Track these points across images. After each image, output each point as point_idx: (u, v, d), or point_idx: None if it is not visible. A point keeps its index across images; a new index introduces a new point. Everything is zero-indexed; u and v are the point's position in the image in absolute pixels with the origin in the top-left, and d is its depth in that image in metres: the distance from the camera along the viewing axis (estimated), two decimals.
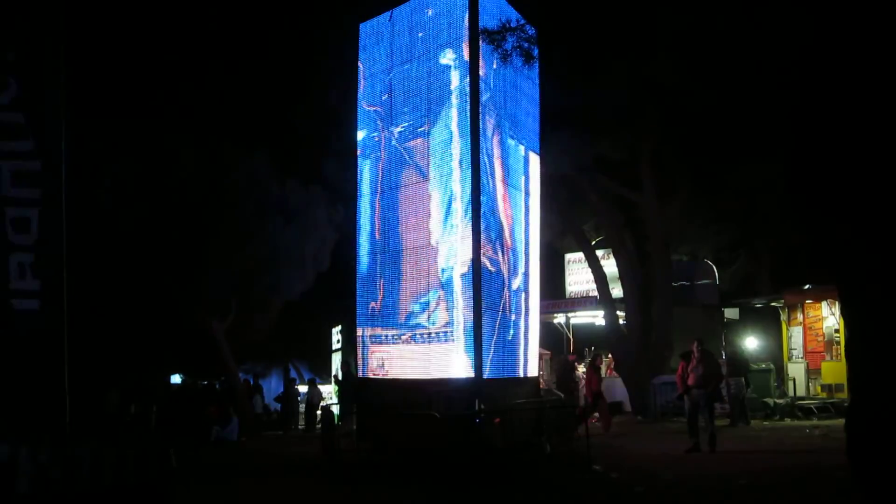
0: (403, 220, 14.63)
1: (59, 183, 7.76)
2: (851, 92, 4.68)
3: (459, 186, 13.60)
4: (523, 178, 15.18)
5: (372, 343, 14.91)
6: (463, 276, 13.38)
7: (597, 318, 24.96)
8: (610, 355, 24.39)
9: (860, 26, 4.94)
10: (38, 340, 7.30)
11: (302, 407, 26.68)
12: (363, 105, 15.81)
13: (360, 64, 15.78)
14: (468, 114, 13.68)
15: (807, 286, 21.94)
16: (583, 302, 25.44)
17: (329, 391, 26.67)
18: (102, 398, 23.45)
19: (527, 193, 15.25)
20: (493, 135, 14.23)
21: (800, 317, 22.35)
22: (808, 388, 21.34)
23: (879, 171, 4.52)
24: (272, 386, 31.56)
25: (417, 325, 14.05)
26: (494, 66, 14.14)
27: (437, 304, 13.75)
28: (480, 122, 13.71)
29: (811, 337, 21.97)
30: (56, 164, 7.82)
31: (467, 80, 13.79)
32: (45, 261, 7.58)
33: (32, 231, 7.59)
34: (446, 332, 13.47)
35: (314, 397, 25.29)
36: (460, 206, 13.52)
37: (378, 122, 15.47)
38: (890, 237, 4.41)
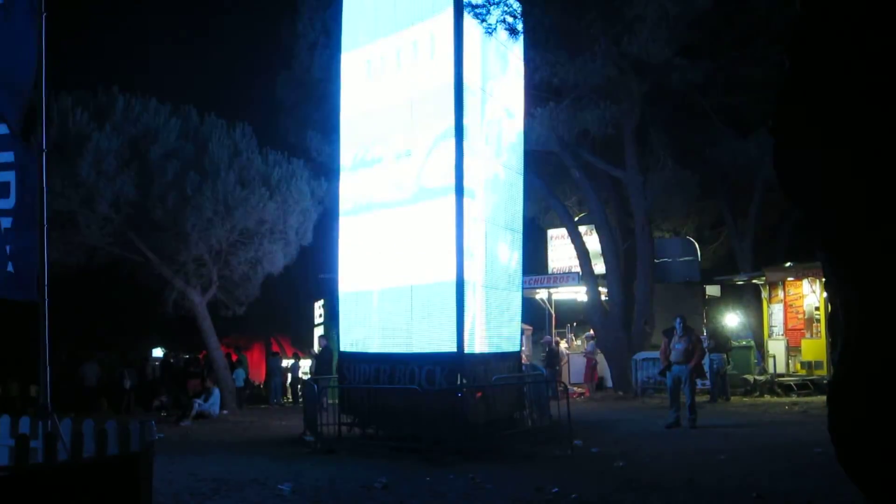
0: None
1: (32, 147, 7.62)
2: (842, 63, 4.65)
3: (443, 161, 13.45)
4: (506, 153, 15.08)
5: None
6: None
7: (579, 293, 25.04)
8: (591, 331, 24.51)
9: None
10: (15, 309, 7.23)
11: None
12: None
13: (342, 35, 15.57)
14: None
15: (788, 264, 22.07)
16: (565, 278, 25.52)
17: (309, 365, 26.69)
18: (82, 371, 23.42)
19: (511, 168, 15.16)
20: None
21: (781, 294, 22.47)
22: (787, 365, 21.51)
23: (872, 140, 4.50)
24: (254, 360, 31.55)
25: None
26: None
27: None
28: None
29: (792, 314, 22.11)
30: (28, 127, 7.67)
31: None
32: (20, 226, 7.46)
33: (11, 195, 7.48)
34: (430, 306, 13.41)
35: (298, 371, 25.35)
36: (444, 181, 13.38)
37: None
38: (884, 191, 4.40)
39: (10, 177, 7.49)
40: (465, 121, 13.22)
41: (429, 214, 13.38)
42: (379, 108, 14.48)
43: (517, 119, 15.51)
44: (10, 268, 7.46)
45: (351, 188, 14.90)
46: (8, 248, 7.43)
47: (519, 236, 15.15)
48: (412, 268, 13.51)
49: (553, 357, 21.14)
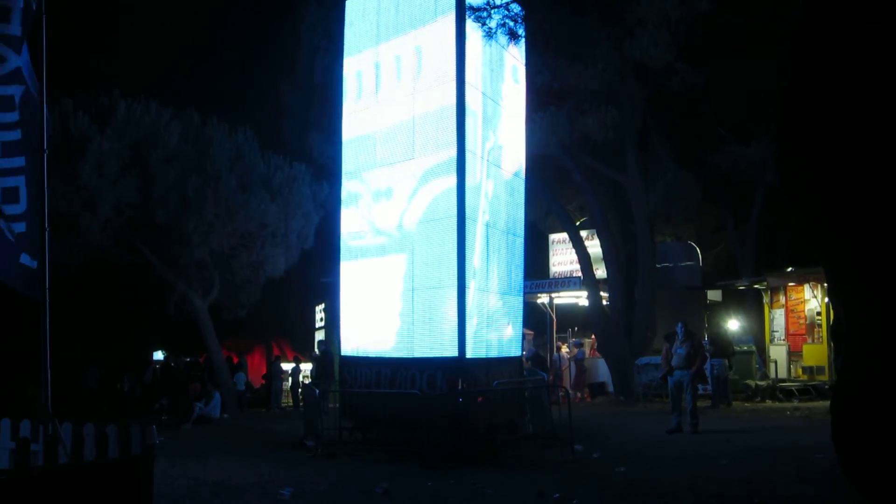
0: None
1: (39, 151, 7.62)
2: (845, 67, 4.64)
3: (445, 167, 13.43)
4: (507, 158, 15.07)
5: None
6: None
7: (580, 298, 24.99)
8: (593, 336, 24.48)
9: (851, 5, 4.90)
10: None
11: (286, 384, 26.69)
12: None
13: (345, 39, 15.55)
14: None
15: (790, 269, 22.05)
16: (566, 282, 25.45)
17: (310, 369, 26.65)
18: (83, 373, 23.40)
19: (512, 172, 15.16)
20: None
21: (782, 299, 22.46)
22: (789, 370, 21.49)
23: (872, 147, 4.49)
24: (255, 364, 31.50)
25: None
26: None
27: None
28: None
29: (793, 319, 22.10)
30: (37, 131, 7.67)
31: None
32: (31, 229, 7.48)
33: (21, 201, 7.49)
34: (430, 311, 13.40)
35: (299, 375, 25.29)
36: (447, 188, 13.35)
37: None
38: (886, 203, 4.39)
39: (19, 181, 7.50)
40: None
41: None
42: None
43: (518, 123, 15.50)
44: (26, 261, 7.49)
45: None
46: (23, 255, 7.45)
47: (520, 240, 15.15)
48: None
49: (539, 364, 20.91)
